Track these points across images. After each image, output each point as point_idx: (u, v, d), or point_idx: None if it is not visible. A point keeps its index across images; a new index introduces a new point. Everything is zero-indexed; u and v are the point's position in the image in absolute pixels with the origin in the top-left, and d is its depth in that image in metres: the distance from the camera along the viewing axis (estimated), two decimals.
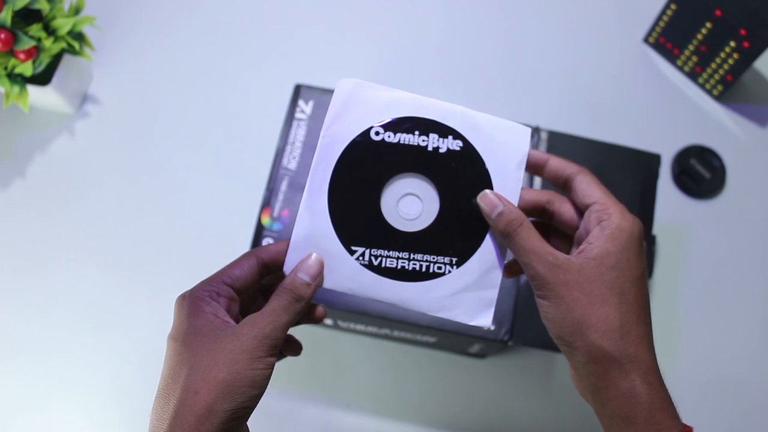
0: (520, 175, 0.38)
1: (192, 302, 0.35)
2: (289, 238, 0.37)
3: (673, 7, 0.73)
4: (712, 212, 0.71)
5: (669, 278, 0.68)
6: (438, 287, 0.37)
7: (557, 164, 0.38)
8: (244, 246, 0.56)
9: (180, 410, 0.31)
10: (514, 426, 0.62)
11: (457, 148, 0.37)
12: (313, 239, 0.37)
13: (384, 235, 0.37)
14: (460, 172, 0.37)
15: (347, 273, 0.37)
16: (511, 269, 0.41)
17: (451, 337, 0.57)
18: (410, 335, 0.60)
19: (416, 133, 0.37)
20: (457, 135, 0.37)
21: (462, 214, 0.37)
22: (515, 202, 0.37)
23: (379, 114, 0.37)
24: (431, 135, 0.37)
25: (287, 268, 0.37)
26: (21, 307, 0.66)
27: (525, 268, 0.35)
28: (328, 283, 0.37)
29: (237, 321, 0.35)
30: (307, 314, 0.40)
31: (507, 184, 0.37)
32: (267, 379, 0.33)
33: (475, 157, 0.37)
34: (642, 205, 0.59)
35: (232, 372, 0.31)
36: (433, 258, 0.37)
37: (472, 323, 0.37)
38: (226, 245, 0.65)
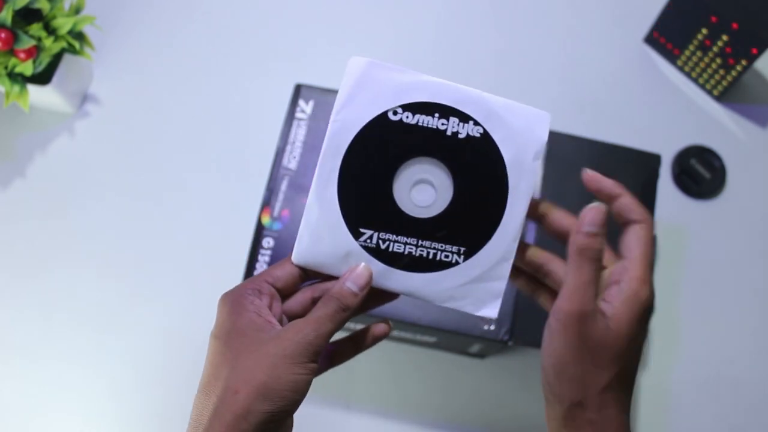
0: (537, 166, 0.37)
1: (235, 300, 0.35)
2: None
3: (673, 7, 0.73)
4: (712, 212, 0.71)
5: (669, 278, 0.68)
6: (447, 278, 0.37)
7: (628, 205, 0.36)
8: (244, 246, 0.56)
9: (219, 408, 0.32)
10: (514, 426, 0.62)
11: (478, 135, 0.36)
12: (322, 230, 0.36)
13: (394, 220, 0.36)
14: (477, 161, 0.36)
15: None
16: (531, 286, 0.40)
17: (451, 337, 0.57)
18: (410, 335, 0.60)
19: (436, 115, 0.36)
20: (477, 121, 0.36)
21: (475, 205, 0.37)
22: (530, 196, 0.37)
23: (393, 98, 0.36)
24: (451, 119, 0.36)
25: (295, 258, 0.36)
26: (20, 307, 0.66)
27: (562, 291, 0.34)
28: (336, 273, 0.37)
29: (279, 321, 0.36)
30: (362, 338, 0.40)
31: (523, 177, 0.36)
32: (307, 384, 0.33)
33: (492, 145, 0.36)
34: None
35: (273, 375, 0.32)
36: (442, 246, 0.36)
37: (478, 314, 0.37)
38: (226, 245, 0.65)
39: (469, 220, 0.37)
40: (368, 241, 0.36)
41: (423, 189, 0.37)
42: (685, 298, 0.68)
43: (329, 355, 0.40)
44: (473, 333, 0.54)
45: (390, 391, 0.63)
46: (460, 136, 0.36)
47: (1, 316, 0.65)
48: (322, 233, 0.36)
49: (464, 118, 0.36)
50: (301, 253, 0.36)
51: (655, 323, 0.66)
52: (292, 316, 0.37)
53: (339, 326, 0.35)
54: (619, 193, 0.36)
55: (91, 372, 0.63)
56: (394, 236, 0.36)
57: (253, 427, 0.31)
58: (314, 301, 0.38)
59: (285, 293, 0.37)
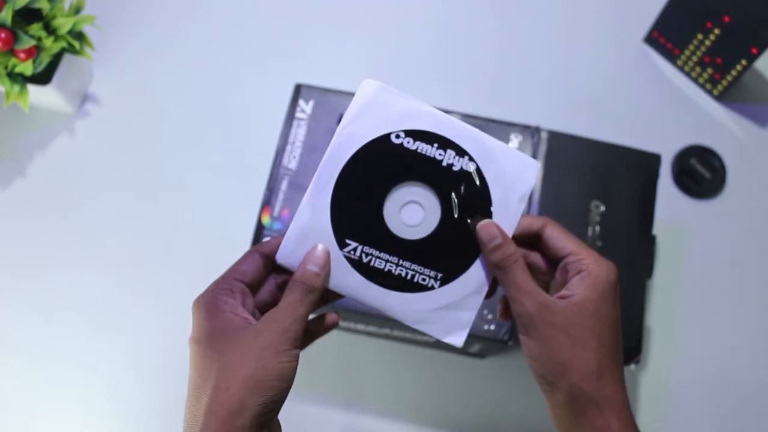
0: (521, 209, 0.38)
1: (209, 303, 0.36)
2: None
3: (673, 6, 0.73)
4: (712, 212, 0.71)
5: (669, 278, 0.68)
6: (420, 300, 0.38)
7: (523, 223, 0.39)
8: (245, 246, 0.56)
9: (212, 407, 0.32)
10: (514, 426, 0.62)
11: (470, 170, 0.38)
12: (310, 234, 0.37)
13: (380, 237, 0.38)
14: (466, 194, 0.38)
15: (337, 272, 0.37)
16: (508, 311, 0.41)
17: None
18: (410, 335, 0.60)
19: (435, 145, 0.38)
20: (472, 157, 0.38)
21: (458, 235, 0.38)
22: (511, 234, 0.38)
23: (397, 123, 0.37)
24: (449, 151, 0.38)
25: (279, 257, 0.37)
26: (20, 307, 0.66)
27: (513, 303, 0.36)
28: None
29: (253, 315, 0.36)
30: (319, 326, 0.41)
31: (506, 216, 0.38)
32: (294, 371, 0.34)
33: (483, 182, 0.38)
34: (642, 205, 0.59)
35: (259, 367, 0.33)
36: (420, 269, 0.38)
37: (445, 340, 0.38)
38: (226, 245, 0.65)
39: (450, 249, 0.38)
40: (352, 252, 0.37)
41: (412, 211, 0.38)
42: (685, 298, 0.68)
43: None
44: (473, 333, 0.54)
45: (390, 390, 0.63)
46: (455, 168, 0.38)
47: (1, 316, 0.65)
48: (309, 237, 0.37)
49: (461, 152, 0.38)
50: (286, 254, 0.37)
51: (655, 323, 0.66)
52: (263, 306, 0.38)
53: (310, 308, 0.36)
54: (500, 234, 0.37)
55: (91, 372, 0.63)
56: (378, 252, 0.37)
57: (248, 421, 0.32)
58: (279, 287, 0.39)
59: (253, 286, 0.38)
